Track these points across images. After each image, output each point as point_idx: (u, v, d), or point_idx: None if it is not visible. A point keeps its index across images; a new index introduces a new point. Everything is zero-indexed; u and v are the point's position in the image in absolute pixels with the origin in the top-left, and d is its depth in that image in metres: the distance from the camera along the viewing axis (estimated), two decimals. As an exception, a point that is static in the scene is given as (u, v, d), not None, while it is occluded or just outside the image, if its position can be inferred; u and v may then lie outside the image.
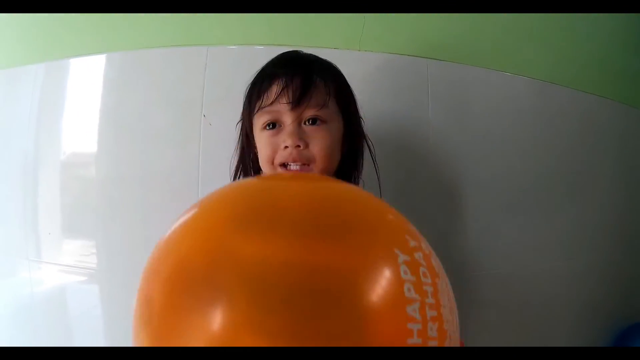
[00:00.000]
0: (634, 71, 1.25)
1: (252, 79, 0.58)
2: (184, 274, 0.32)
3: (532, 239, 0.96)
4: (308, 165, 0.51)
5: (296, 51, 0.59)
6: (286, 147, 0.51)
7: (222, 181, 0.75)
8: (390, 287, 0.32)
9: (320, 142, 0.51)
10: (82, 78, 0.83)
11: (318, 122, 0.52)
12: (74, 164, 0.84)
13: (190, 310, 0.30)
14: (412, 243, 0.38)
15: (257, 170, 0.59)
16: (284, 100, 0.51)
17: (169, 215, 0.75)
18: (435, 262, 0.39)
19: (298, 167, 0.51)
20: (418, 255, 0.37)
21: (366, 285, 0.32)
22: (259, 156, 0.56)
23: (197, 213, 0.39)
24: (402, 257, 0.35)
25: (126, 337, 0.36)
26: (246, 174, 0.60)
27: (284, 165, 0.52)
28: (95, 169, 0.81)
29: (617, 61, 1.19)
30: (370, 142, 0.63)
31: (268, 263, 0.30)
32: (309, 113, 0.51)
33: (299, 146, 0.51)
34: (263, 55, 0.77)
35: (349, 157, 0.58)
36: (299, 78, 0.51)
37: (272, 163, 0.52)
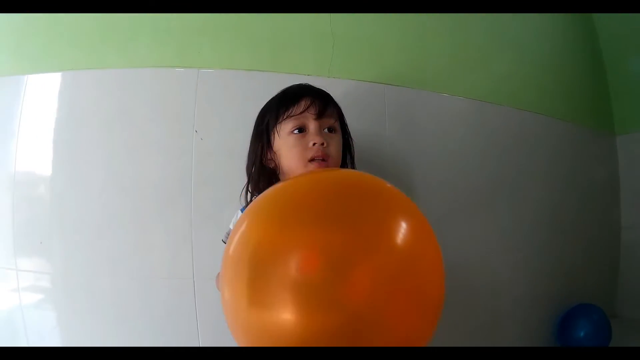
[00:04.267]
0: (564, 88, 1.49)
1: (275, 98, 0.74)
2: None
3: (476, 235, 1.14)
4: (326, 160, 0.69)
5: (307, 83, 0.76)
6: (314, 144, 0.68)
7: (214, 186, 0.86)
8: None
9: (334, 144, 0.71)
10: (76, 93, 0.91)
11: (333, 130, 0.72)
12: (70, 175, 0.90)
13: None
14: None
15: (269, 177, 0.73)
16: (312, 111, 0.69)
17: (166, 218, 0.86)
18: None
19: (321, 161, 0.68)
20: None
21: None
22: (284, 157, 0.70)
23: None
24: None
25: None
26: (257, 184, 0.74)
27: (312, 159, 0.68)
28: (95, 180, 0.89)
29: (546, 79, 1.41)
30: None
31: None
32: (329, 123, 0.71)
33: (323, 144, 0.68)
34: (248, 79, 0.90)
35: (344, 157, 0.77)
36: (321, 98, 0.71)
37: (302, 159, 0.68)
